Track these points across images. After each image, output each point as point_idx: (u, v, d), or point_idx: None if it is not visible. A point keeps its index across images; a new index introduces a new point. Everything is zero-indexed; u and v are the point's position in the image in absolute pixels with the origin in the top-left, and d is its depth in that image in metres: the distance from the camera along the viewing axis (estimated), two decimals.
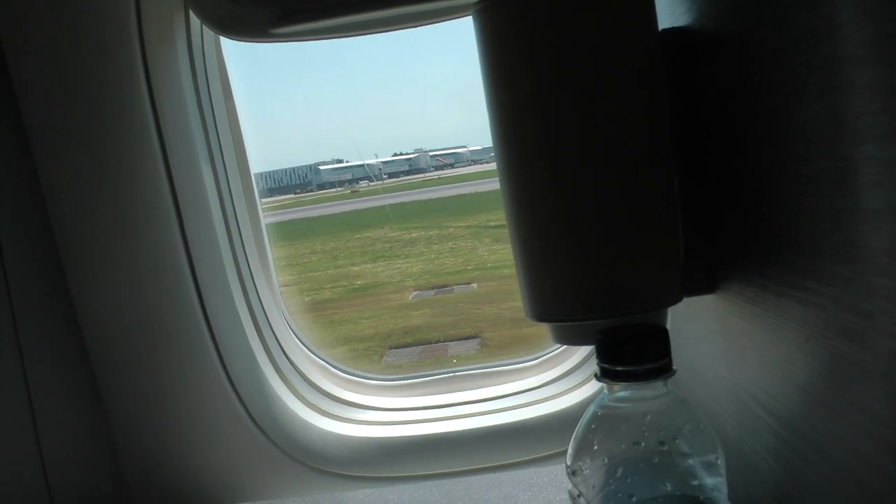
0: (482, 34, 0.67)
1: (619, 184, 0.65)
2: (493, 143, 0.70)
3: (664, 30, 0.70)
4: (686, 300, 0.72)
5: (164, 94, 1.08)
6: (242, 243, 1.21)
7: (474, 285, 2.49)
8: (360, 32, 1.05)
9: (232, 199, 1.20)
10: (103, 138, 1.07)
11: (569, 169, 0.65)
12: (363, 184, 2.56)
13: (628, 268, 0.66)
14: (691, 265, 0.71)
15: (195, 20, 1.11)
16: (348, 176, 2.58)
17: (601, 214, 0.65)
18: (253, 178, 1.27)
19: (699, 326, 0.80)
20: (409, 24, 1.04)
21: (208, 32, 1.14)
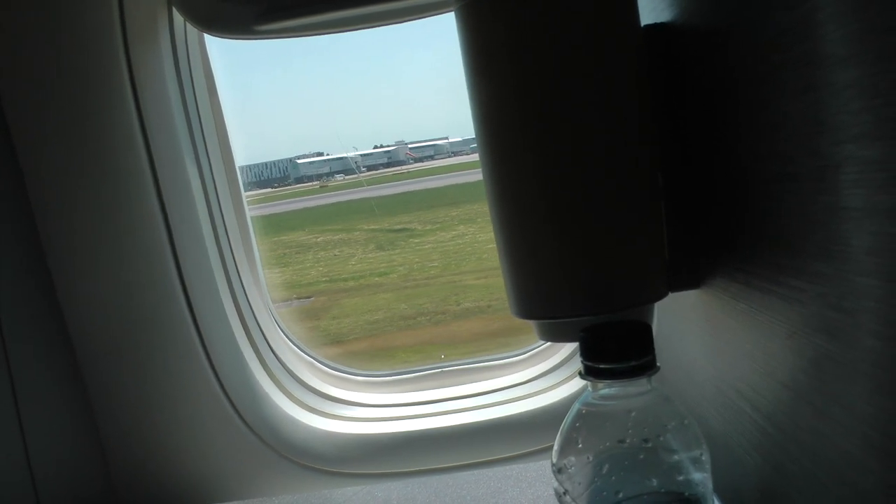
0: (465, 31, 0.67)
1: (603, 180, 0.64)
2: (477, 139, 0.70)
3: (647, 25, 0.69)
4: (672, 296, 0.72)
5: (148, 91, 1.08)
6: (228, 239, 1.21)
7: (312, 299, 2.48)
8: (344, 29, 1.05)
9: (217, 194, 1.19)
10: (87, 135, 1.07)
11: (552, 165, 0.65)
12: (339, 177, 2.52)
13: (613, 264, 0.66)
14: (676, 260, 0.71)
15: (178, 17, 1.10)
16: (326, 169, 2.54)
17: (585, 210, 0.65)
18: (238, 172, 1.27)
19: (685, 322, 0.80)
20: (391, 20, 1.04)
21: (192, 29, 1.14)
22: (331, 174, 2.56)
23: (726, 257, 0.63)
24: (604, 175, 0.64)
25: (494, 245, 0.72)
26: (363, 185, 2.61)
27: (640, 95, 0.66)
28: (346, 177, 2.56)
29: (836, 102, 0.39)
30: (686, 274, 0.72)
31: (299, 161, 2.53)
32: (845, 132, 0.39)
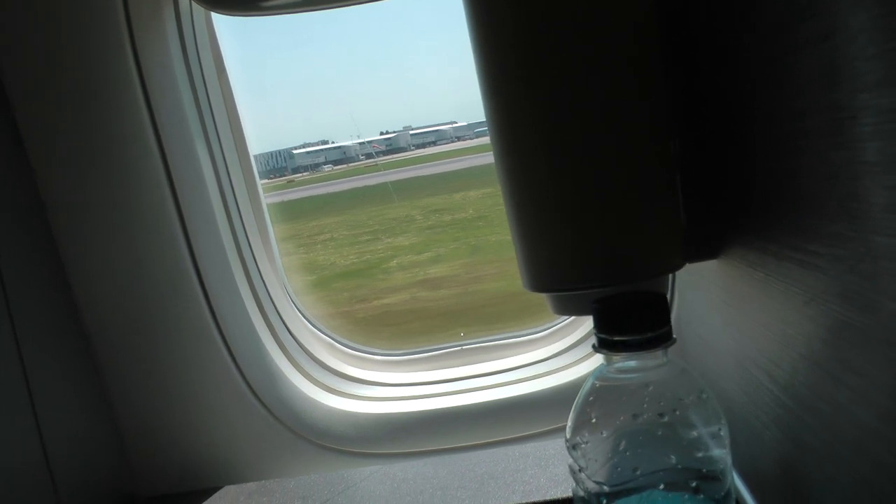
0: None
1: (616, 147, 0.62)
2: (485, 111, 0.68)
3: None
4: (691, 267, 0.70)
5: (154, 71, 1.07)
6: (242, 221, 1.20)
7: None
8: (350, 3, 1.03)
9: (229, 175, 1.18)
10: (93, 119, 1.06)
11: (563, 134, 0.63)
12: (327, 168, 2.49)
13: (627, 234, 0.64)
14: (692, 230, 0.69)
15: None
16: (321, 159, 2.51)
17: (597, 180, 0.63)
18: (251, 154, 1.26)
19: (705, 294, 0.79)
20: None
21: (198, 8, 1.12)
22: (318, 165, 2.53)
23: (744, 224, 0.61)
24: (615, 141, 0.62)
25: None
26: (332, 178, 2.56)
27: (651, 58, 0.63)
28: (335, 167, 2.53)
29: (850, 50, 0.37)
30: (703, 244, 0.70)
31: (295, 152, 2.50)
32: (860, 81, 0.37)
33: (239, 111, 1.23)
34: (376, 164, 2.47)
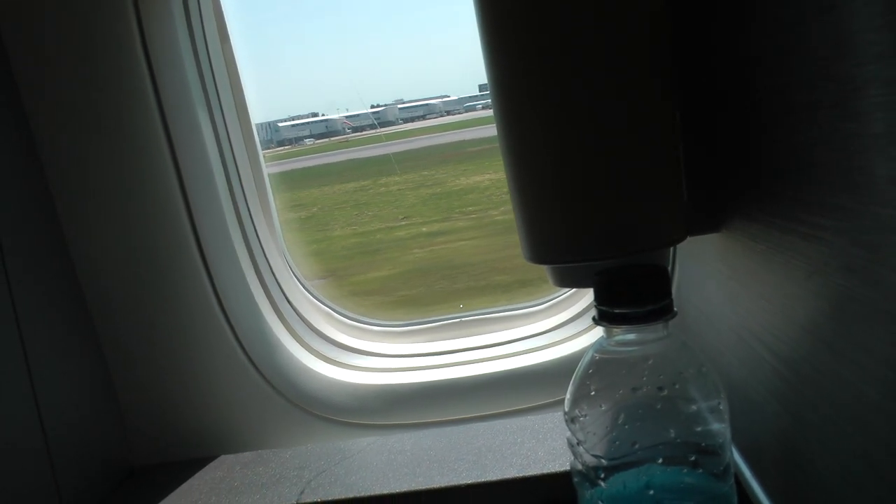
0: None
1: (616, 117, 0.62)
2: (488, 83, 0.68)
3: None
4: (694, 240, 0.69)
5: (158, 38, 1.06)
6: (243, 190, 1.19)
7: None
8: None
9: (231, 144, 1.17)
10: (95, 84, 1.05)
11: (564, 105, 0.62)
12: (308, 142, 2.47)
13: (628, 206, 0.64)
14: (694, 203, 0.68)
15: None
16: (306, 132, 2.49)
17: (597, 150, 0.62)
18: (253, 122, 1.25)
19: (707, 267, 0.78)
20: None
21: None
22: (301, 138, 2.51)
23: (746, 197, 0.60)
24: (617, 112, 0.62)
25: None
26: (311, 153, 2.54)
27: (655, 27, 0.63)
28: (317, 141, 2.51)
29: (857, 21, 0.37)
30: (705, 216, 0.69)
31: (280, 125, 2.48)
32: (866, 52, 0.36)
33: (242, 80, 1.22)
34: (347, 140, 2.45)
